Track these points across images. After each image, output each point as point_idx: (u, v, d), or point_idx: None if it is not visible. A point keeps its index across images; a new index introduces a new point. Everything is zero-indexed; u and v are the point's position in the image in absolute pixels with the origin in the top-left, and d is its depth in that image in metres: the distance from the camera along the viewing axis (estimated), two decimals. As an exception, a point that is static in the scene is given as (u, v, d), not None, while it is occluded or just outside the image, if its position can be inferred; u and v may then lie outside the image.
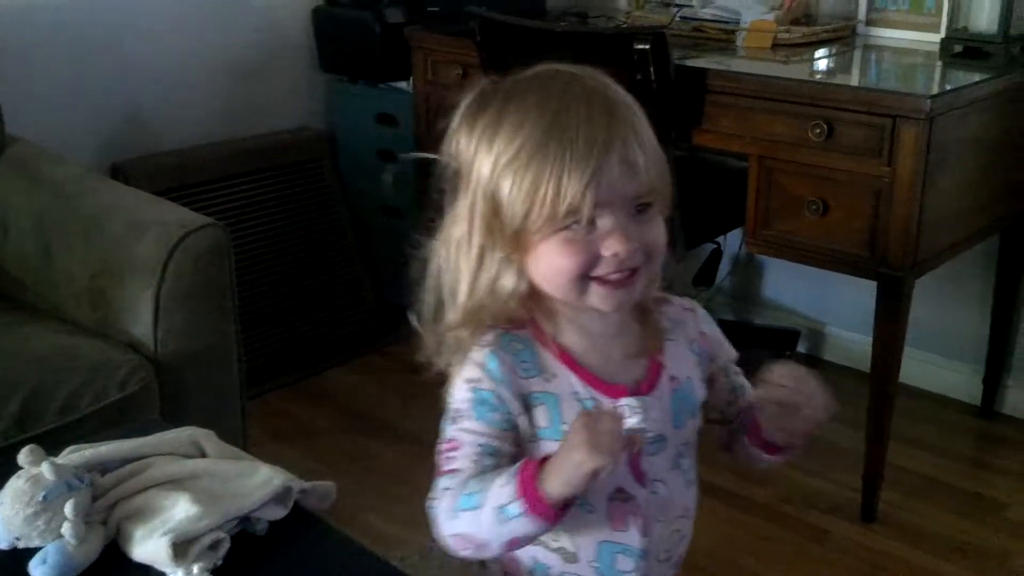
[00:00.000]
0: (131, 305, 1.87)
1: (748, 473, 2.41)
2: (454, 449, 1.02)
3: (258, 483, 1.15)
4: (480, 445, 1.01)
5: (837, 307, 2.85)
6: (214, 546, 1.07)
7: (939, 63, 2.35)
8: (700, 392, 1.10)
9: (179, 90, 2.78)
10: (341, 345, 2.92)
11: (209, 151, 2.78)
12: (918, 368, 2.65)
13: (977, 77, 2.18)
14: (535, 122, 0.96)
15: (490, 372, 1.01)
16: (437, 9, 2.79)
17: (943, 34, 2.40)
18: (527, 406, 1.01)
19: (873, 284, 2.12)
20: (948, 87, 2.18)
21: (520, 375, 1.01)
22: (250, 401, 2.11)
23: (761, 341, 2.95)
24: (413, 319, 1.07)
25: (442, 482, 1.02)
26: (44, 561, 1.07)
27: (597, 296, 0.99)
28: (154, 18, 2.70)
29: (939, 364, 2.71)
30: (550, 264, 0.98)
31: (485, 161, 0.98)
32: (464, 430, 1.01)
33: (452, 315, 1.04)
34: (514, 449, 1.02)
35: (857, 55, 2.50)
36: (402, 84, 2.93)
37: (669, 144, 2.21)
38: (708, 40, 2.53)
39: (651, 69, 2.11)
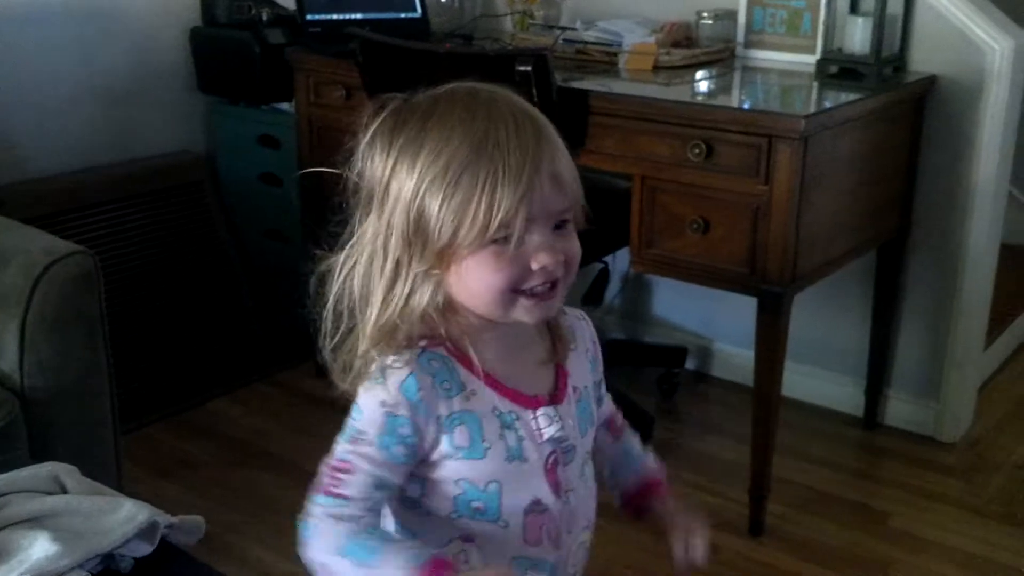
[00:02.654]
0: (-6, 337, 1.78)
1: (637, 490, 2.43)
2: (346, 472, 1.00)
3: (121, 519, 1.10)
4: (373, 476, 1.00)
5: (723, 324, 2.90)
6: None
7: (815, 84, 2.41)
8: (595, 400, 1.14)
9: (50, 115, 2.68)
10: (225, 374, 2.85)
11: (84, 177, 2.69)
12: (801, 382, 2.71)
13: (851, 97, 2.24)
14: (462, 139, 0.96)
15: (408, 395, 0.99)
16: (319, 30, 2.76)
17: (818, 56, 2.47)
18: (444, 428, 1.00)
19: (756, 300, 2.15)
20: (822, 107, 2.24)
21: (440, 395, 1.00)
22: (128, 435, 2.04)
23: (651, 359, 2.97)
24: (322, 341, 1.05)
25: (324, 502, 1.00)
26: None
27: (523, 309, 1.00)
28: (21, 40, 2.60)
29: (822, 377, 2.77)
30: (479, 279, 0.98)
31: (407, 179, 0.98)
32: (361, 456, 0.99)
33: (362, 335, 1.02)
34: (402, 482, 1.03)
35: (736, 77, 2.55)
36: (284, 105, 2.89)
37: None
38: (591, 62, 2.55)
39: (534, 91, 2.11)
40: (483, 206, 0.95)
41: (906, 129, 2.44)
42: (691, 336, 2.98)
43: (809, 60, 2.50)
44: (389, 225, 0.99)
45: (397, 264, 1.00)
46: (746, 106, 2.32)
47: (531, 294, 0.99)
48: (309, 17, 2.73)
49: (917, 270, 2.58)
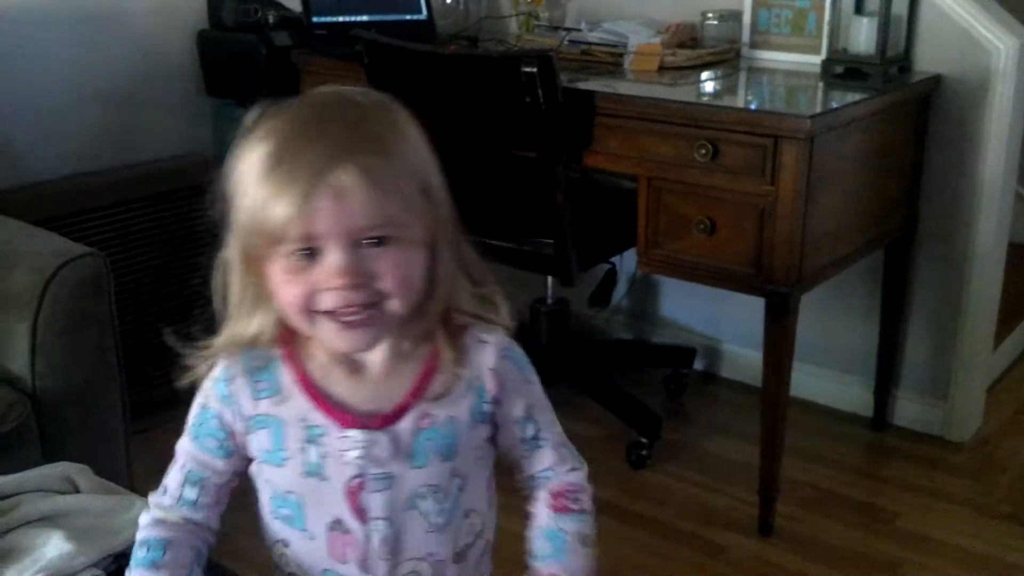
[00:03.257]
0: (6, 339, 1.79)
1: (642, 490, 2.44)
2: (173, 462, 1.05)
3: (134, 518, 1.11)
4: (188, 471, 1.04)
5: (731, 324, 2.90)
6: None
7: (820, 84, 2.42)
8: (469, 434, 1.02)
9: (56, 118, 2.69)
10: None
11: (90, 180, 2.69)
12: (810, 382, 2.71)
13: (856, 97, 2.24)
14: (274, 141, 0.91)
15: (218, 390, 1.01)
16: (325, 32, 2.77)
17: (823, 56, 2.47)
18: (249, 428, 1.00)
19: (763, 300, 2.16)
20: (827, 107, 2.24)
21: (249, 394, 1.00)
22: (138, 436, 2.04)
23: (658, 360, 2.98)
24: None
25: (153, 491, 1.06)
26: None
27: (330, 332, 0.94)
28: (27, 44, 2.61)
29: (829, 377, 2.77)
30: (277, 292, 0.94)
31: (233, 178, 0.94)
32: (182, 446, 1.05)
33: (221, 334, 1.02)
34: (225, 479, 1.05)
35: (741, 77, 2.55)
36: (290, 108, 2.89)
37: (559, 166, 2.23)
38: (596, 63, 2.55)
39: (539, 92, 2.12)
40: (267, 214, 0.90)
41: (911, 129, 2.44)
42: (699, 337, 2.98)
43: (814, 60, 2.50)
44: (232, 227, 0.96)
45: (239, 269, 0.97)
46: (752, 106, 2.32)
47: (336, 319, 0.93)
48: (315, 19, 2.74)
49: (924, 269, 2.58)
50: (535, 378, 1.06)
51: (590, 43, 2.58)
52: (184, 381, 1.02)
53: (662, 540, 2.27)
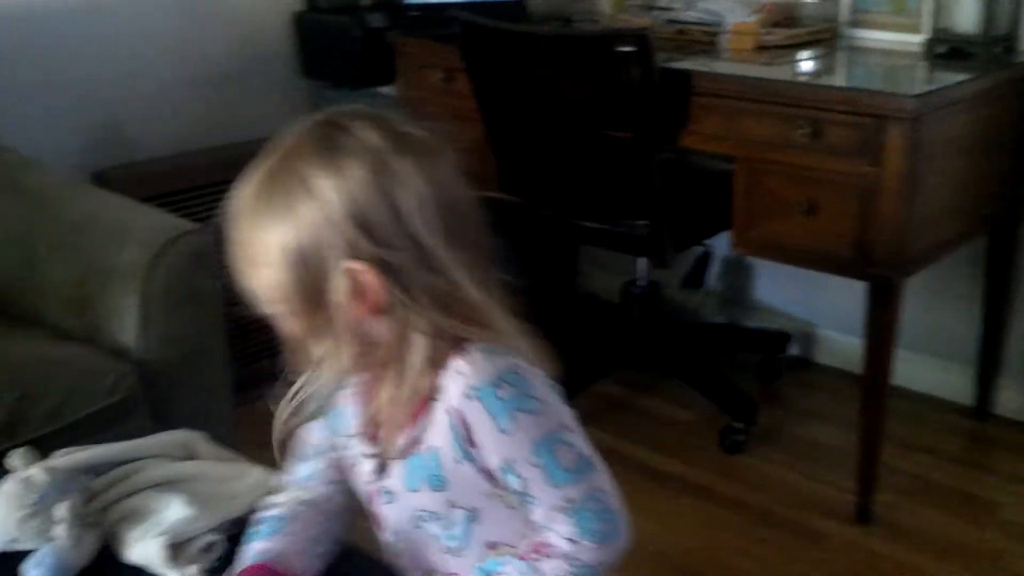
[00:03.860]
0: (116, 312, 1.85)
1: (737, 475, 2.42)
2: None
3: (251, 485, 1.14)
4: (305, 447, 1.12)
5: (828, 309, 2.85)
6: (208, 548, 1.06)
7: (923, 63, 2.36)
8: (456, 468, 0.97)
9: (158, 98, 2.76)
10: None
11: (189, 159, 2.75)
12: (910, 369, 2.65)
13: (961, 77, 2.18)
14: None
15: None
16: (419, 14, 2.79)
17: (926, 35, 2.41)
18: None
19: (863, 285, 2.11)
20: (932, 87, 2.18)
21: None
22: (241, 407, 2.08)
23: (752, 344, 2.94)
24: None
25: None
26: (38, 564, 1.05)
27: None
28: (132, 26, 2.68)
29: (931, 365, 2.71)
30: None
31: None
32: None
33: None
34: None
35: (841, 56, 2.50)
36: (385, 89, 2.92)
37: (655, 146, 2.22)
38: (691, 42, 2.53)
39: (635, 71, 2.11)
40: None
41: (1018, 109, 2.36)
42: (793, 321, 2.94)
43: (916, 40, 2.43)
44: None
45: None
46: (855, 86, 2.28)
47: None
48: (410, 1, 2.76)
49: (1030, 254, 2.50)
50: (515, 427, 0.93)
51: (685, 22, 2.56)
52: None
53: (758, 525, 2.25)
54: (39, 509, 1.07)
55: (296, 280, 0.92)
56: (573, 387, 2.81)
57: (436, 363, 0.95)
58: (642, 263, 2.68)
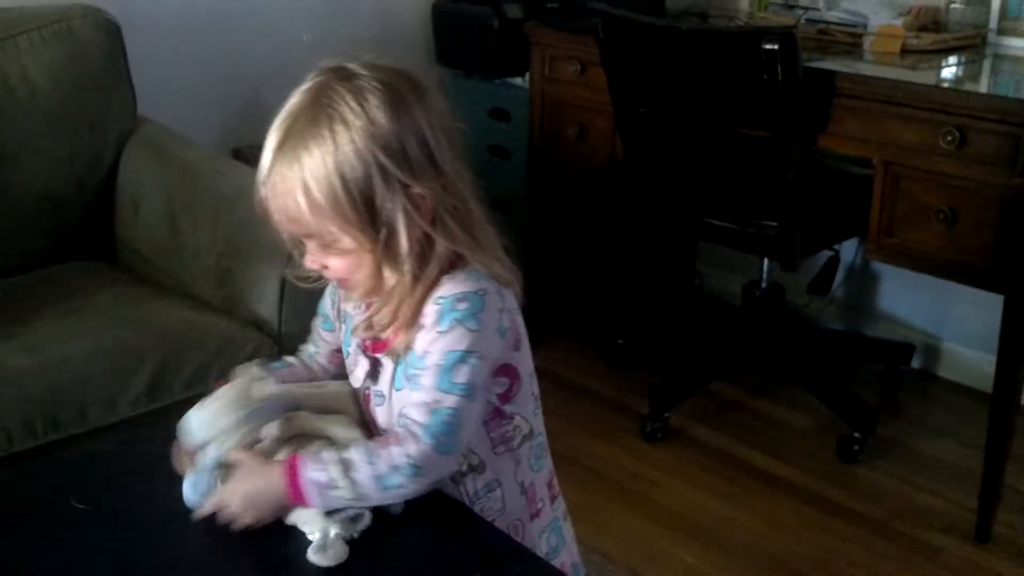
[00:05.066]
0: (257, 285, 1.91)
1: (853, 485, 2.38)
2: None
3: None
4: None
5: (956, 322, 2.78)
6: (355, 519, 1.08)
7: (1076, 74, 2.28)
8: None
9: (298, 80, 2.82)
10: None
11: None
12: (1039, 388, 2.57)
13: (1117, 89, 2.11)
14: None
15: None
16: (556, 6, 2.80)
17: (1079, 45, 2.33)
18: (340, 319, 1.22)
19: (995, 298, 2.06)
20: (1087, 98, 2.11)
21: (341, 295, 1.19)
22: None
23: (873, 354, 2.88)
24: None
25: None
26: (194, 488, 1.10)
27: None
28: (276, 9, 2.76)
29: (1060, 385, 2.62)
30: None
31: None
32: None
33: None
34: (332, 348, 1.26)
35: (987, 64, 2.44)
36: (517, 80, 2.94)
37: (794, 146, 2.19)
38: (834, 43, 2.49)
39: (778, 70, 2.08)
40: None
41: None
42: (918, 333, 2.87)
43: (1067, 50, 2.36)
44: None
45: None
46: (1003, 94, 2.22)
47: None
48: (548, -7, 2.78)
49: None
50: (448, 331, 1.05)
51: (828, 22, 2.52)
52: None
53: (873, 536, 2.21)
54: (254, 420, 1.11)
55: (350, 203, 1.02)
56: (687, 386, 2.81)
57: (439, 277, 1.07)
58: (766, 265, 2.65)
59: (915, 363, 2.85)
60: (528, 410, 1.18)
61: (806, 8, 2.61)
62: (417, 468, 1.04)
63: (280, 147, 1.04)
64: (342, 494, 1.04)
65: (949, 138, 2.01)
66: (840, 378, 2.68)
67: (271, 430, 1.11)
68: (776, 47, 2.07)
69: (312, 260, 1.09)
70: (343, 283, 1.12)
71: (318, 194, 1.02)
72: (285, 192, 1.03)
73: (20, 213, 2.15)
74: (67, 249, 2.22)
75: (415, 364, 1.08)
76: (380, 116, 1.02)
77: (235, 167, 2.24)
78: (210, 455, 1.10)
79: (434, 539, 1.13)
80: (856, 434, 2.46)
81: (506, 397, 1.14)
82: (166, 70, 2.56)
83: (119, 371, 1.77)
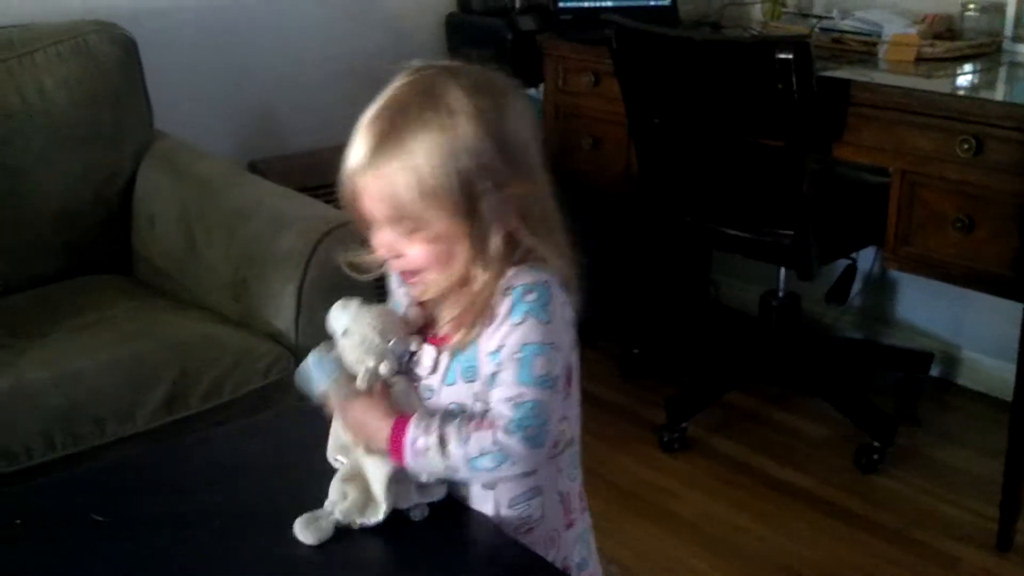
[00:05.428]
0: (274, 297, 1.91)
1: (872, 494, 2.37)
2: None
3: None
4: None
5: (974, 330, 2.76)
6: (423, 489, 1.11)
7: (1092, 81, 2.27)
8: (484, 358, 1.10)
9: (312, 93, 2.84)
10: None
11: (335, 154, 2.82)
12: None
13: None
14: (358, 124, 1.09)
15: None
16: (570, 17, 2.81)
17: (1094, 51, 2.32)
18: None
19: (1014, 306, 2.05)
20: (1104, 105, 2.10)
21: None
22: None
23: (891, 363, 2.87)
24: None
25: None
26: (320, 366, 1.14)
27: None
28: (291, 22, 2.77)
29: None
30: None
31: None
32: None
33: None
34: None
35: (1003, 71, 2.43)
36: (531, 91, 2.94)
37: (808, 155, 2.19)
38: (848, 52, 2.48)
39: (793, 79, 2.08)
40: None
41: None
42: (936, 342, 2.86)
43: (1083, 56, 2.35)
44: None
45: None
46: (1020, 102, 2.21)
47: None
48: (561, 4, 2.78)
49: None
50: (521, 324, 1.06)
51: (843, 31, 2.51)
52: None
53: (892, 546, 2.20)
54: (391, 355, 1.12)
55: (459, 191, 1.04)
56: (704, 396, 2.80)
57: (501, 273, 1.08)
58: (783, 274, 2.64)
59: (934, 372, 2.83)
60: (575, 414, 1.17)
61: (820, 17, 2.60)
62: (505, 456, 1.05)
63: (388, 133, 1.05)
64: (434, 463, 1.07)
65: (965, 146, 2.01)
66: (858, 387, 2.66)
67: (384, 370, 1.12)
68: (790, 56, 2.07)
69: (388, 248, 1.09)
70: (412, 274, 1.11)
71: (430, 179, 1.04)
72: (393, 174, 1.04)
73: (37, 228, 2.17)
74: (84, 263, 2.24)
75: (487, 360, 1.08)
76: (491, 112, 1.05)
77: (251, 180, 2.25)
78: (348, 350, 1.13)
79: (452, 551, 1.12)
80: (874, 443, 2.44)
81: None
82: (182, 84, 2.57)
83: (136, 384, 1.78)
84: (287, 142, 2.79)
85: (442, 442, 1.06)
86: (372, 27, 2.91)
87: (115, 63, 2.23)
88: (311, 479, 1.16)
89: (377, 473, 1.10)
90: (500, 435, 1.04)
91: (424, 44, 3.01)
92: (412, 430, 1.07)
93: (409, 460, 1.07)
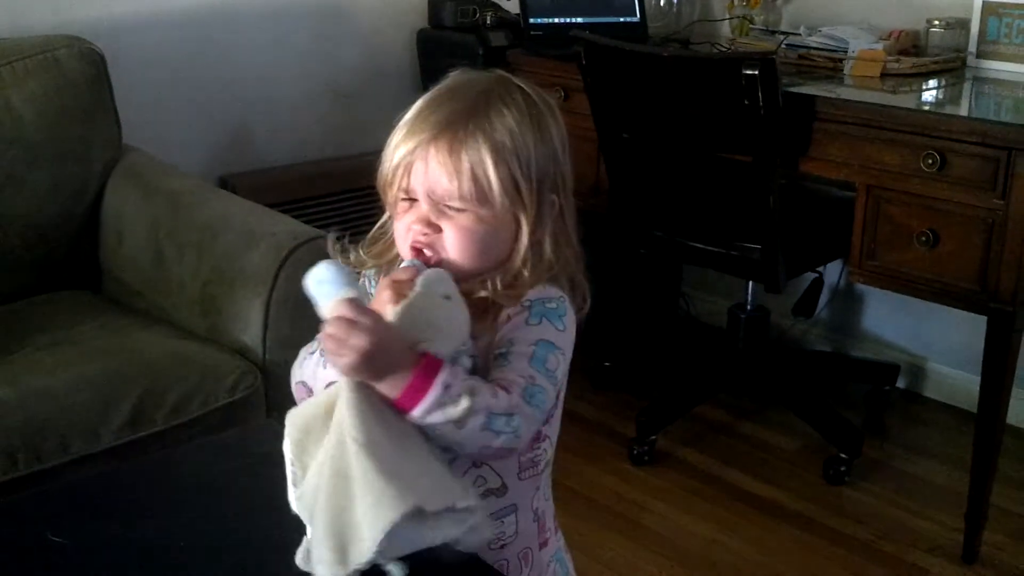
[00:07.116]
0: (241, 313, 1.90)
1: (839, 506, 2.39)
2: None
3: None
4: None
5: (939, 342, 2.79)
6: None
7: (1053, 97, 2.31)
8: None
9: (284, 108, 2.84)
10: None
11: (312, 168, 2.83)
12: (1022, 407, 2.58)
13: (1094, 111, 2.13)
14: (416, 108, 1.08)
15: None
16: (540, 34, 2.82)
17: (1057, 68, 2.35)
18: None
19: (979, 319, 2.07)
20: (1066, 121, 2.13)
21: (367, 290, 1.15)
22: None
23: (858, 374, 2.90)
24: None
25: None
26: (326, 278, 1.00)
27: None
28: (262, 37, 2.77)
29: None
30: (394, 224, 1.11)
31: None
32: None
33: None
34: None
35: (967, 87, 2.46)
36: (502, 106, 2.95)
37: (775, 170, 2.21)
38: (814, 68, 2.51)
39: (759, 95, 2.10)
40: (387, 156, 1.07)
41: None
42: (902, 354, 2.88)
43: (1046, 73, 2.38)
44: None
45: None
46: (984, 117, 2.24)
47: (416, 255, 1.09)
48: (532, 20, 2.80)
49: None
50: (538, 324, 1.06)
51: (809, 47, 2.54)
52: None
53: (860, 558, 2.21)
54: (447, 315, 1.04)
55: (527, 177, 1.06)
56: (674, 409, 2.81)
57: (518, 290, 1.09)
58: (751, 287, 2.66)
59: (900, 383, 2.86)
60: (555, 434, 1.17)
61: (787, 34, 2.63)
62: (518, 424, 1.00)
63: (472, 109, 1.05)
64: (453, 413, 0.96)
65: (930, 161, 2.03)
66: (826, 399, 2.69)
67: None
68: (756, 72, 2.09)
69: (424, 222, 1.05)
70: (439, 255, 1.06)
71: (511, 157, 1.05)
72: (473, 145, 1.03)
73: (4, 244, 2.15)
74: (52, 279, 2.22)
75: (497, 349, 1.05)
76: (550, 122, 1.09)
77: (220, 196, 2.25)
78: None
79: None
80: (842, 455, 2.46)
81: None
82: (151, 100, 2.57)
83: (102, 402, 1.76)
84: (258, 158, 2.79)
85: (472, 392, 0.97)
86: (343, 43, 2.92)
87: (84, 79, 2.22)
88: (279, 497, 1.15)
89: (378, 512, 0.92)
90: (517, 398, 1.00)
91: (396, 58, 3.01)
92: (447, 372, 0.97)
93: (428, 404, 0.95)
